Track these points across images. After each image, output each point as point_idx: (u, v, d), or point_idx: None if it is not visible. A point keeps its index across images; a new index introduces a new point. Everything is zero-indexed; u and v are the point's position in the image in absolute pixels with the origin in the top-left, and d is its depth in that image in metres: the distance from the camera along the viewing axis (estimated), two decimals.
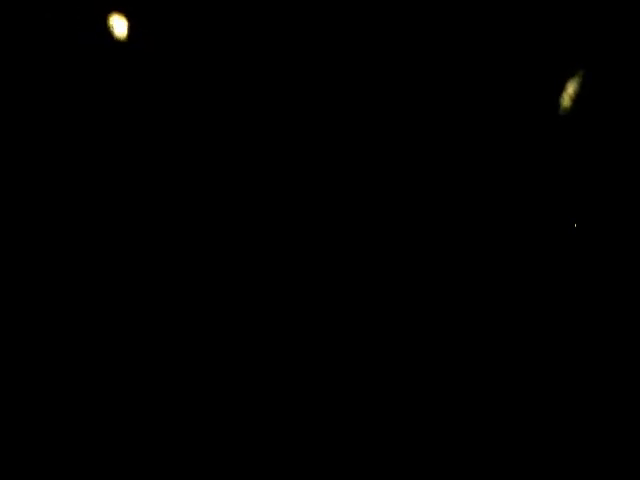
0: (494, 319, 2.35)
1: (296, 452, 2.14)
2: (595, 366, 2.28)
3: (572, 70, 2.41)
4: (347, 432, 2.18)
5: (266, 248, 2.48)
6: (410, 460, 2.15)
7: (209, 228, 2.55)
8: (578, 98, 2.39)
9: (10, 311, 2.36)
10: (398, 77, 2.52)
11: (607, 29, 2.41)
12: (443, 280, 2.40)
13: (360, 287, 2.41)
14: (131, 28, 2.59)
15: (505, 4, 2.45)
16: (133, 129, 2.64)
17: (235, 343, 2.33)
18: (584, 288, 2.36)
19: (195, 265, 2.48)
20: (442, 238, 2.45)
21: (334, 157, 2.56)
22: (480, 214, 2.45)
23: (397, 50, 2.51)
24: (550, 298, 2.36)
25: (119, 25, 2.53)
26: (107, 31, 2.59)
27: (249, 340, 2.33)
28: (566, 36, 2.43)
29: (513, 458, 2.17)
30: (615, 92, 2.39)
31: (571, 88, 2.38)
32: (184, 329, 2.35)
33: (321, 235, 2.49)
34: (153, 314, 2.37)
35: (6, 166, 2.53)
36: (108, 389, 2.23)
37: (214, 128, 2.68)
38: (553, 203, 2.42)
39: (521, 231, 2.42)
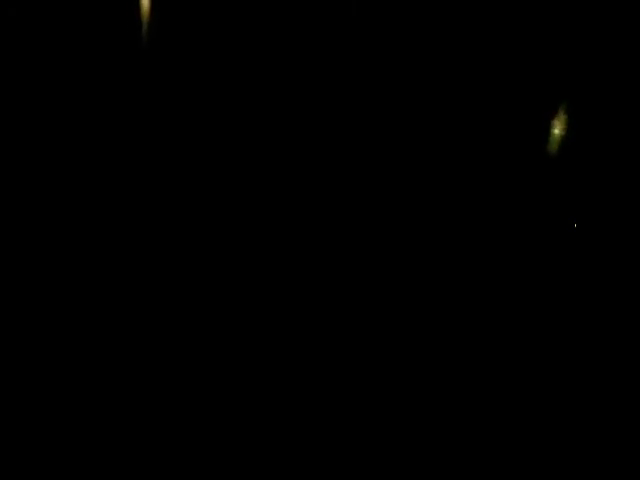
0: (492, 319, 2.41)
1: (296, 451, 2.12)
2: (594, 365, 2.31)
3: (557, 110, 2.60)
4: (346, 430, 2.16)
5: (267, 245, 2.49)
6: (409, 459, 2.13)
7: (209, 226, 2.56)
8: (563, 137, 2.57)
9: (10, 311, 2.31)
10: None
11: (588, 80, 2.60)
12: (442, 280, 2.44)
13: (360, 286, 2.43)
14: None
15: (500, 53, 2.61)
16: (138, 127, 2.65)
17: (234, 343, 2.33)
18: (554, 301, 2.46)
19: (195, 264, 2.49)
20: (440, 241, 2.51)
21: (335, 160, 2.61)
22: (473, 228, 2.54)
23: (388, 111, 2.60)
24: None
25: None
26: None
27: (248, 339, 2.34)
28: (551, 82, 2.61)
29: (512, 457, 2.15)
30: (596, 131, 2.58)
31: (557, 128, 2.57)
32: (184, 327, 2.34)
33: (320, 235, 2.50)
34: (153, 313, 2.35)
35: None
36: (108, 388, 2.20)
37: (214, 129, 2.71)
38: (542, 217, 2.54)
39: (511, 240, 2.52)
